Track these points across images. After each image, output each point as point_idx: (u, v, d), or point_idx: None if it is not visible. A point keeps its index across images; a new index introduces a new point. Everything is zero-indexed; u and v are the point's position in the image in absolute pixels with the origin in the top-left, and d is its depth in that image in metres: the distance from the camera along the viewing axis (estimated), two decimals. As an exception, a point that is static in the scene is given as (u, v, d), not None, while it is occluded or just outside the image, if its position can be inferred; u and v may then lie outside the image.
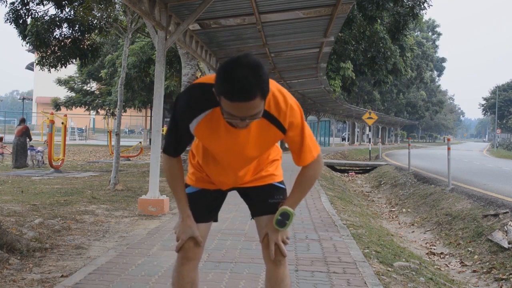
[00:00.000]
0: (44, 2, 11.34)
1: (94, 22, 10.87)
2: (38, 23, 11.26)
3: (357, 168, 21.09)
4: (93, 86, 30.35)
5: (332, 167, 20.33)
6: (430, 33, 74.12)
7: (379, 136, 58.57)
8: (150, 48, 18.42)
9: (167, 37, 7.09)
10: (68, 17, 11.45)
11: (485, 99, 79.46)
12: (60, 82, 28.55)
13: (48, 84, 35.79)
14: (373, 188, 15.25)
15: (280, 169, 2.34)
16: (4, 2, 11.20)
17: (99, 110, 28.62)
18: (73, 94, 28.91)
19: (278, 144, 2.38)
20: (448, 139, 12.41)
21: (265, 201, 2.22)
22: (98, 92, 28.80)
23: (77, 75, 29.21)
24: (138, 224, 5.91)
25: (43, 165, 14.31)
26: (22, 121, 15.17)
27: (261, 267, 3.71)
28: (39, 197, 7.80)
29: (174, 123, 2.06)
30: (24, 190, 8.69)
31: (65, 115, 14.34)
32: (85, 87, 29.31)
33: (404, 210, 10.43)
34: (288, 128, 2.01)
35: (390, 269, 4.32)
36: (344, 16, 9.97)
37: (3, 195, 7.88)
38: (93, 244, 4.82)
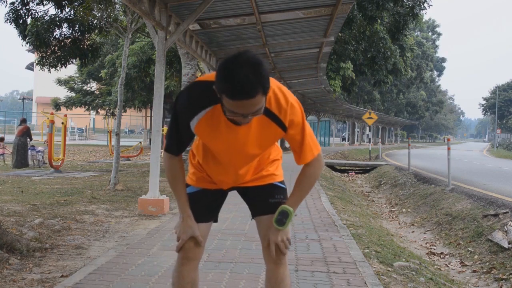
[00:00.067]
0: (44, 2, 11.34)
1: (94, 22, 10.87)
2: (38, 23, 11.26)
3: (357, 168, 21.09)
4: (93, 86, 30.36)
5: (332, 167, 20.34)
6: (430, 33, 74.12)
7: (379, 136, 58.57)
8: (150, 48, 18.42)
9: (167, 37, 7.09)
10: (68, 17, 11.45)
11: (485, 99, 79.47)
12: (60, 82, 28.55)
13: (48, 84, 35.80)
14: (373, 188, 15.25)
15: (281, 169, 2.34)
16: (4, 2, 11.20)
17: (99, 110, 28.62)
18: (73, 94, 28.91)
19: (278, 144, 2.38)
20: (448, 139, 12.41)
21: (266, 200, 2.22)
22: (98, 92, 28.80)
23: (77, 75, 29.21)
24: (138, 224, 5.91)
25: (44, 165, 14.31)
26: (23, 121, 15.18)
27: (261, 267, 3.71)
28: (39, 197, 7.80)
29: (175, 121, 2.06)
30: (24, 190, 8.69)
31: (65, 115, 14.34)
32: (85, 87, 29.32)
33: (404, 210, 10.43)
34: (289, 126, 2.02)
35: (390, 269, 4.32)
36: (344, 16, 9.97)
37: (3, 195, 7.88)
38: (93, 244, 4.82)
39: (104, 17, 9.70)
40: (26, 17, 11.51)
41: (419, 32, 64.88)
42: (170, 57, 16.15)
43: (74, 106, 28.57)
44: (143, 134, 38.30)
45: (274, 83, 1.97)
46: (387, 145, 56.27)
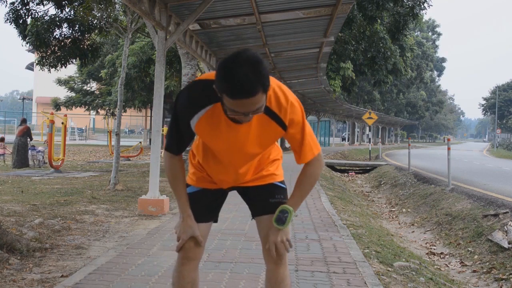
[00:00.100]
0: (44, 2, 11.34)
1: (94, 22, 10.87)
2: (38, 23, 11.26)
3: (357, 168, 21.09)
4: (93, 86, 30.36)
5: (332, 167, 20.33)
6: (430, 33, 74.12)
7: (379, 136, 58.57)
8: (150, 48, 18.42)
9: (167, 37, 7.09)
10: (68, 17, 11.45)
11: (485, 99, 79.47)
12: (60, 82, 28.56)
13: (48, 84, 35.80)
14: (373, 188, 15.25)
15: (281, 168, 2.34)
16: (4, 2, 11.20)
17: (99, 110, 28.63)
18: (73, 94, 28.92)
19: (278, 144, 2.38)
20: (448, 139, 12.41)
21: (266, 200, 2.22)
22: (98, 92, 28.80)
23: (77, 75, 29.22)
24: (138, 224, 5.91)
25: (44, 165, 14.32)
26: (23, 121, 15.18)
27: (261, 267, 3.71)
28: (39, 197, 7.80)
29: (175, 120, 2.07)
30: (24, 190, 8.69)
31: (65, 115, 14.34)
32: (85, 87, 29.32)
33: (404, 210, 10.43)
34: (289, 125, 2.02)
35: (390, 269, 4.32)
36: (344, 16, 9.97)
37: (3, 195, 7.88)
38: (93, 244, 4.82)
39: (104, 17, 9.70)
40: (26, 17, 11.51)
41: (419, 32, 64.89)
42: (170, 57, 16.15)
43: (74, 106, 28.57)
44: (143, 134, 38.30)
45: (274, 82, 1.97)
46: (387, 145, 56.27)
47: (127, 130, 50.91)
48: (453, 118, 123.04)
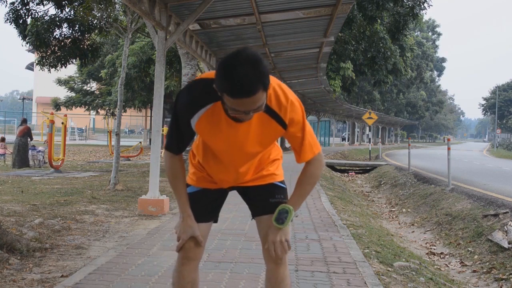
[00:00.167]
0: (44, 2, 11.34)
1: (94, 22, 10.87)
2: (38, 23, 11.26)
3: (357, 168, 21.09)
4: (93, 86, 30.36)
5: (332, 167, 20.33)
6: (430, 33, 74.11)
7: (379, 136, 58.57)
8: (150, 48, 18.41)
9: (167, 37, 7.09)
10: (68, 17, 11.45)
11: (485, 99, 79.47)
12: (60, 82, 28.56)
13: (48, 84, 35.80)
14: (373, 188, 15.25)
15: (281, 168, 2.34)
16: (4, 2, 11.20)
17: (99, 110, 28.63)
18: (73, 94, 28.92)
19: (278, 144, 2.38)
20: (448, 139, 12.41)
21: (266, 200, 2.22)
22: (98, 92, 28.80)
23: (77, 75, 29.22)
24: (138, 224, 5.91)
25: (44, 165, 14.32)
26: (24, 121, 15.18)
27: (261, 267, 3.71)
28: (39, 197, 7.80)
29: (175, 120, 2.07)
30: (24, 190, 8.69)
31: (65, 115, 14.34)
32: (85, 87, 29.32)
33: (404, 210, 10.43)
34: (289, 123, 2.02)
35: (390, 269, 4.32)
36: (344, 16, 9.97)
37: (3, 195, 7.88)
38: (93, 244, 4.82)
39: (104, 17, 9.70)
40: (26, 17, 11.51)
41: (419, 32, 64.88)
42: (170, 57, 16.15)
43: (74, 106, 28.57)
44: (143, 134, 38.31)
45: (274, 80, 1.97)
46: (387, 145, 56.27)
47: (127, 130, 50.91)
48: (453, 118, 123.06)
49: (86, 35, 11.84)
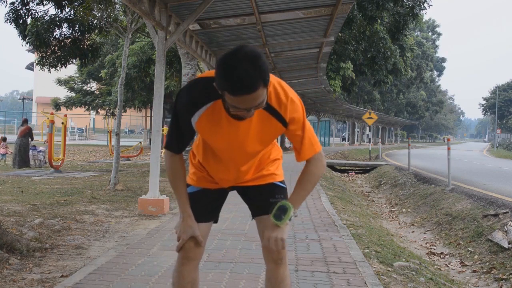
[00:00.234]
0: (44, 2, 11.34)
1: (94, 22, 10.87)
2: (38, 23, 11.26)
3: (357, 168, 21.09)
4: (93, 86, 30.37)
5: (332, 167, 20.33)
6: (430, 33, 74.12)
7: (379, 136, 58.57)
8: (150, 48, 18.42)
9: (167, 37, 7.09)
10: (68, 17, 11.45)
11: (485, 99, 79.47)
12: (60, 82, 28.56)
13: (48, 84, 35.80)
14: (373, 188, 15.25)
15: (281, 168, 2.34)
16: (4, 2, 11.21)
17: (99, 110, 28.63)
18: (73, 94, 28.92)
19: (278, 144, 2.38)
20: (448, 139, 12.41)
21: (266, 200, 2.21)
22: (98, 92, 28.81)
23: (77, 75, 29.22)
24: (138, 224, 5.91)
25: (45, 164, 14.33)
26: (25, 121, 15.18)
27: (261, 267, 3.71)
28: (39, 197, 7.80)
29: (176, 119, 2.07)
30: (24, 190, 8.69)
31: (65, 115, 14.34)
32: (85, 87, 29.33)
33: (404, 210, 10.43)
34: (290, 121, 2.02)
35: (390, 269, 4.32)
36: (344, 16, 9.97)
37: (3, 195, 7.88)
38: (93, 244, 4.82)
39: (104, 17, 9.70)
40: (26, 17, 11.51)
41: (419, 32, 64.88)
42: (170, 57, 16.15)
43: (74, 106, 28.58)
44: (143, 134, 38.31)
45: (274, 78, 1.98)
46: (387, 145, 56.27)
47: (127, 130, 50.92)
48: (453, 118, 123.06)
49: (86, 35, 11.84)
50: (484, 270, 5.76)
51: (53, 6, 11.18)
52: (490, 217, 7.32)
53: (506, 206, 7.73)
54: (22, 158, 14.01)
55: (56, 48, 11.86)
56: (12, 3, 11.34)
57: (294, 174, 2.27)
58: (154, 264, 3.97)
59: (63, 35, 11.78)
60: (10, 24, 11.51)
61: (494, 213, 7.38)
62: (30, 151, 14.39)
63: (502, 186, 11.28)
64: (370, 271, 3.92)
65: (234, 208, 6.59)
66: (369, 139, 33.28)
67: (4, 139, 15.77)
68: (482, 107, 79.95)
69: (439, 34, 76.66)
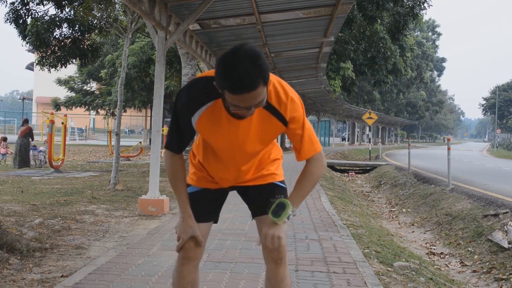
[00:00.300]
0: (44, 2, 11.34)
1: (94, 22, 10.87)
2: (38, 23, 11.26)
3: (357, 168, 21.09)
4: (93, 86, 30.37)
5: (332, 167, 20.33)
6: (430, 33, 74.12)
7: (379, 136, 58.57)
8: (150, 48, 18.41)
9: (167, 37, 7.09)
10: (68, 17, 11.45)
11: (485, 99, 79.47)
12: (60, 82, 28.56)
13: (48, 84, 35.80)
14: (373, 188, 15.25)
15: (281, 168, 2.34)
16: (4, 2, 11.21)
17: (99, 110, 28.63)
18: (73, 94, 28.92)
19: (278, 144, 2.38)
20: (448, 139, 12.41)
21: (266, 200, 2.20)
22: (98, 92, 28.81)
23: (77, 75, 29.22)
24: (138, 224, 5.91)
25: (45, 164, 14.33)
26: (25, 121, 15.18)
27: (261, 267, 3.71)
28: (39, 197, 7.80)
29: (176, 119, 2.07)
30: (24, 190, 8.69)
31: (65, 115, 14.34)
32: (85, 87, 29.33)
33: (404, 210, 10.43)
34: (290, 120, 2.02)
35: (390, 269, 4.32)
36: (344, 16, 9.97)
37: (3, 195, 7.88)
38: (93, 244, 4.82)
39: (104, 17, 9.70)
40: (26, 17, 11.51)
41: (419, 32, 64.89)
42: (170, 57, 16.15)
43: (74, 106, 28.58)
44: (143, 134, 38.31)
45: (274, 77, 1.98)
46: (387, 145, 56.27)
47: (127, 130, 50.92)
48: (453, 118, 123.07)
49: (86, 35, 11.85)
50: (484, 270, 5.76)
51: (53, 6, 11.19)
52: (490, 217, 7.32)
53: (506, 206, 7.73)
54: (23, 158, 14.02)
55: (56, 48, 11.86)
56: (12, 3, 11.35)
57: (294, 174, 2.27)
58: (154, 264, 3.97)
59: (63, 35, 11.78)
60: (10, 24, 11.51)
61: (494, 213, 7.38)
62: (31, 151, 14.40)
63: (502, 186, 11.28)
64: (370, 271, 3.92)
65: (234, 208, 6.59)
66: (369, 139, 33.28)
67: (5, 139, 15.78)
68: (482, 107, 79.95)
69: (439, 34, 76.67)
